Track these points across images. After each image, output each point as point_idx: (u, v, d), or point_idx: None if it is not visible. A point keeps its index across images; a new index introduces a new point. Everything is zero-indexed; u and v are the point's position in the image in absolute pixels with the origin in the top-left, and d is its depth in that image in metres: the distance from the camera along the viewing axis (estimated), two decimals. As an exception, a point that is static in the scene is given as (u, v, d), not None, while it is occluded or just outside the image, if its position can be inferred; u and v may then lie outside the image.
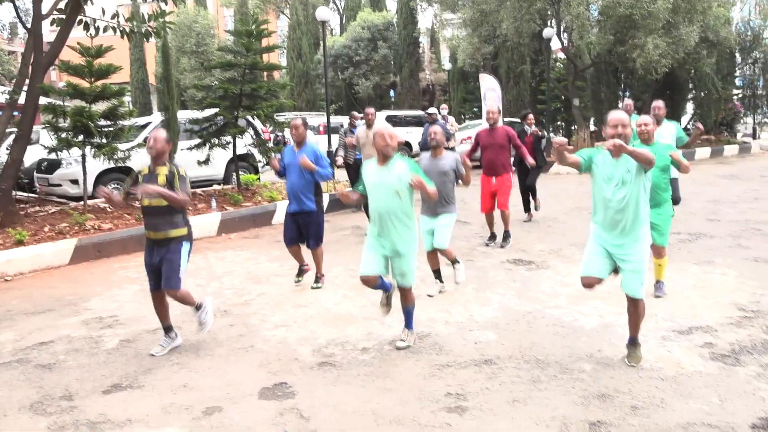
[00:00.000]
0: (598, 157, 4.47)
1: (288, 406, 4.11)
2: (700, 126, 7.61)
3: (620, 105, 23.98)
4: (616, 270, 4.58)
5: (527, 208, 10.14)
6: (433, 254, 6.46)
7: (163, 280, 4.93)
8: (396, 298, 5.13)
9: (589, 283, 4.58)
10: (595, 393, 4.12)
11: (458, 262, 6.54)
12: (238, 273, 7.64)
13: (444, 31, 30.20)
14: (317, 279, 6.91)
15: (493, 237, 8.61)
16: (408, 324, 5.09)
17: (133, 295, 6.85)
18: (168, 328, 5.20)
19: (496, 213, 8.58)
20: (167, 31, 11.74)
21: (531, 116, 10.13)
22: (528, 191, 10.08)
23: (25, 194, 12.62)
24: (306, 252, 6.93)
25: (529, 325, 5.43)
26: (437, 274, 6.56)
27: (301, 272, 6.97)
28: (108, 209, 10.24)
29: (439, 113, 15.66)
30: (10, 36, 27.00)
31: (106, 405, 4.24)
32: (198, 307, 5.15)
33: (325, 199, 11.48)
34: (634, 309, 4.51)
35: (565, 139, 4.31)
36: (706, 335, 5.03)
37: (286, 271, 7.40)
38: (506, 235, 8.51)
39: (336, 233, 9.87)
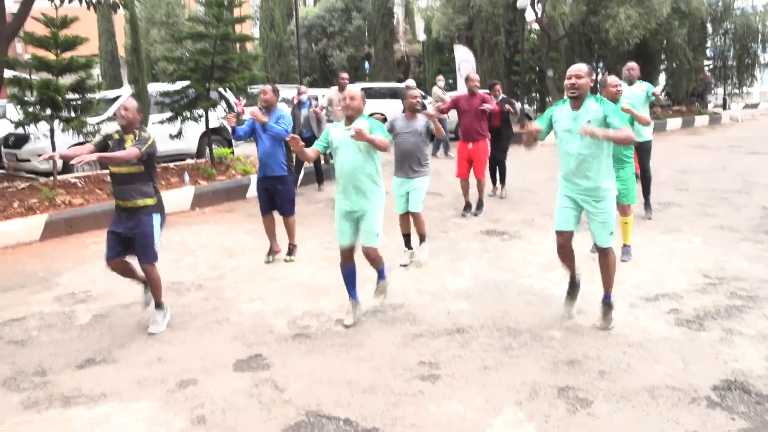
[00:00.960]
0: (555, 113, 4.59)
1: (263, 378, 4.15)
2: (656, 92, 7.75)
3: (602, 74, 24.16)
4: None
5: (494, 182, 10.15)
6: (405, 217, 6.58)
7: (140, 256, 4.92)
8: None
9: (564, 239, 4.67)
10: (565, 359, 4.22)
11: (425, 240, 6.62)
12: (212, 247, 7.62)
13: (418, 1, 29.89)
14: (290, 251, 6.95)
15: (468, 207, 8.69)
16: (381, 276, 5.21)
17: (105, 271, 6.71)
18: (145, 282, 5.22)
19: (472, 181, 8.64)
20: (135, 2, 11.46)
21: (498, 86, 10.13)
22: (497, 165, 10.10)
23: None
24: (280, 226, 6.93)
25: (500, 294, 5.52)
26: (407, 239, 6.66)
27: (272, 252, 6.96)
28: (78, 184, 10.09)
29: (437, 84, 15.89)
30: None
31: (80, 380, 4.24)
32: (159, 305, 5.10)
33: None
34: (605, 259, 4.65)
35: (538, 127, 4.41)
36: (672, 302, 5.17)
37: (261, 245, 7.38)
38: (480, 204, 8.62)
39: (310, 206, 9.86)
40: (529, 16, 22.89)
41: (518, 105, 10.34)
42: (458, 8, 21.95)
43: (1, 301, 5.96)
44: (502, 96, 10.01)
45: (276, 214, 6.92)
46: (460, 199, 9.00)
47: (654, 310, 5.03)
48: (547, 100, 24.70)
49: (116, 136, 4.91)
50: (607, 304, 4.72)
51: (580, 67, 4.42)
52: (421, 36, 30.65)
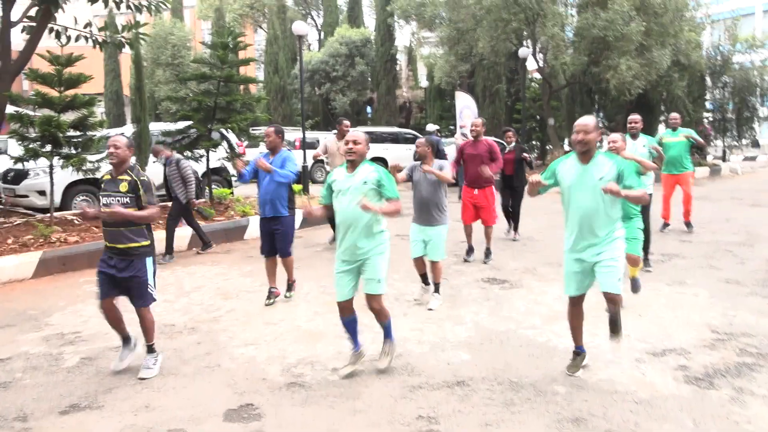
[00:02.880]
0: (560, 168, 4.51)
1: (254, 429, 3.96)
2: (658, 148, 7.79)
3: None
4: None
5: (509, 220, 10.16)
6: (419, 260, 6.58)
7: (135, 301, 4.77)
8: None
9: (575, 302, 4.57)
10: (569, 416, 4.04)
11: (438, 291, 6.60)
12: (207, 288, 7.47)
13: (421, 48, 30.34)
14: (289, 287, 6.94)
15: (471, 250, 8.58)
16: (388, 335, 4.92)
17: (96, 311, 6.58)
18: (126, 339, 5.00)
19: (476, 226, 8.55)
20: (141, 42, 11.57)
21: (510, 133, 10.18)
22: (510, 211, 10.11)
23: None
24: (280, 268, 6.83)
25: (502, 346, 5.35)
26: (424, 278, 6.68)
27: (271, 295, 6.83)
28: (75, 221, 9.98)
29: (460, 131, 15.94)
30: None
31: (62, 426, 4.06)
32: (151, 349, 4.93)
33: (297, 215, 11.39)
34: (614, 306, 4.49)
35: (540, 179, 4.41)
36: (680, 357, 5.00)
37: (258, 287, 7.24)
38: (487, 252, 8.52)
39: (308, 249, 9.74)
40: (531, 65, 23.20)
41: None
42: (461, 56, 22.24)
43: (-12, 340, 5.78)
44: (514, 143, 9.99)
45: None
46: (462, 245, 8.88)
47: (661, 365, 4.86)
48: (548, 147, 24.84)
49: (107, 177, 4.79)
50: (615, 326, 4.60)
51: (587, 122, 4.34)
52: (424, 82, 31.02)
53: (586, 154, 4.34)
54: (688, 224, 10.51)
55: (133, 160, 5.01)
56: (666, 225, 10.47)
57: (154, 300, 4.84)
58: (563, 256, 4.63)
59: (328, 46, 30.18)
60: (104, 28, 11.13)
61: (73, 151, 9.78)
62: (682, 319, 5.96)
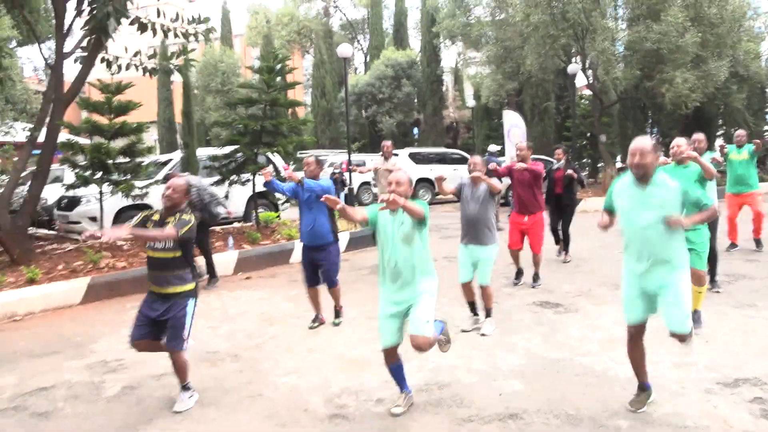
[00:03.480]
0: (616, 191, 4.23)
1: (293, 465, 3.76)
2: (719, 159, 7.53)
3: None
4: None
5: (557, 241, 9.76)
6: (467, 286, 6.27)
7: (168, 339, 4.58)
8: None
9: (635, 332, 4.23)
10: (634, 455, 3.70)
11: (491, 316, 6.29)
12: (251, 314, 7.35)
13: (467, 69, 30.20)
14: (337, 314, 6.77)
15: (520, 273, 8.25)
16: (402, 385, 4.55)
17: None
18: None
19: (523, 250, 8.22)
20: (190, 69, 11.73)
21: (559, 150, 9.81)
22: (560, 232, 9.72)
23: (45, 231, 12.57)
24: (324, 295, 6.67)
25: (558, 375, 5.02)
26: (472, 306, 6.36)
27: (316, 319, 6.69)
28: (124, 247, 10.08)
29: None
30: (38, 75, 27.57)
31: (99, 460, 3.94)
32: (185, 387, 4.76)
33: (343, 238, 11.26)
34: (683, 343, 4.14)
35: (607, 222, 4.30)
36: (755, 389, 4.58)
37: (302, 312, 7.08)
38: (536, 277, 8.18)
39: (353, 272, 9.56)
40: (580, 81, 22.73)
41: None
42: (508, 74, 21.96)
43: (34, 367, 5.78)
44: (563, 161, 9.60)
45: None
46: (512, 267, 8.56)
47: (734, 397, 4.45)
48: (599, 165, 24.18)
49: (156, 217, 4.66)
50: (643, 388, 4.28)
51: (643, 145, 3.99)
52: (470, 102, 30.80)
53: (643, 177, 4.01)
54: (758, 242, 9.90)
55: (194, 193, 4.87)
56: (733, 245, 9.88)
57: (186, 347, 4.61)
58: (621, 279, 4.31)
59: (374, 69, 30.34)
60: (153, 56, 11.33)
61: (123, 177, 9.89)
62: (755, 345, 5.50)
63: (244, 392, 4.95)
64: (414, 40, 35.77)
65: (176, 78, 44.08)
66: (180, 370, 4.69)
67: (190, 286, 4.65)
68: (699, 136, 7.36)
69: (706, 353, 5.31)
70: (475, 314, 6.35)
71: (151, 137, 32.97)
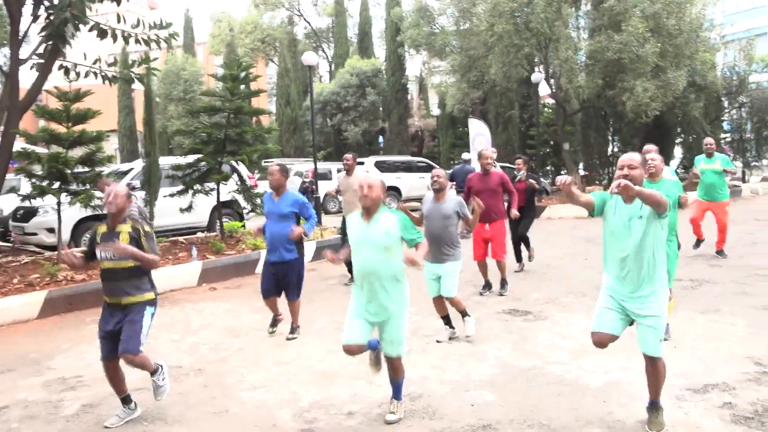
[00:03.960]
0: (611, 202, 4.06)
1: (262, 484, 3.63)
2: (696, 172, 7.58)
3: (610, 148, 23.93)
4: (631, 323, 4.17)
5: (519, 258, 9.70)
6: (439, 300, 6.18)
7: (121, 342, 4.36)
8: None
9: (600, 340, 4.08)
10: (609, 464, 3.67)
11: (468, 315, 6.23)
12: (216, 326, 7.17)
13: (432, 78, 30.38)
14: (293, 330, 6.54)
15: (488, 285, 8.20)
16: (396, 395, 4.49)
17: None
18: (126, 399, 4.62)
19: (490, 260, 8.20)
20: (152, 77, 11.48)
21: (519, 161, 9.74)
22: (520, 241, 9.68)
23: (0, 243, 12.13)
24: (282, 302, 6.53)
25: (529, 384, 4.98)
26: (446, 320, 6.25)
27: (275, 322, 6.62)
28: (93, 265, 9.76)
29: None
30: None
31: (55, 484, 3.74)
32: (154, 372, 4.59)
33: (310, 247, 11.13)
34: (653, 369, 4.01)
35: (569, 177, 3.94)
36: (724, 394, 4.60)
37: (268, 325, 6.92)
38: (503, 283, 8.16)
39: (322, 282, 9.43)
40: (543, 90, 23.02)
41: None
42: (472, 83, 22.13)
43: (-13, 386, 5.51)
44: (524, 172, 9.58)
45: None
46: (479, 275, 8.54)
47: (705, 403, 4.47)
48: (562, 172, 24.50)
49: (103, 229, 4.48)
50: (655, 407, 4.11)
51: (632, 157, 3.93)
52: (435, 110, 30.96)
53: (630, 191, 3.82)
54: (720, 252, 10.04)
55: (133, 207, 4.76)
56: (700, 241, 10.02)
57: (140, 352, 4.39)
58: (592, 288, 4.28)
59: (339, 77, 30.29)
60: (114, 64, 11.06)
61: (82, 188, 9.59)
62: (722, 351, 5.56)
63: (209, 408, 4.79)
64: (379, 49, 35.89)
65: (137, 86, 43.38)
66: (143, 365, 4.47)
67: (149, 295, 4.50)
68: (709, 140, 7.57)
69: (675, 360, 5.32)
70: (451, 326, 6.23)
71: (111, 146, 32.29)
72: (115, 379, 4.54)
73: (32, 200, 9.57)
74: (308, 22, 39.51)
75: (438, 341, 6.10)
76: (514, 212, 8.42)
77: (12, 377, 5.75)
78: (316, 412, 4.62)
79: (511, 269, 9.01)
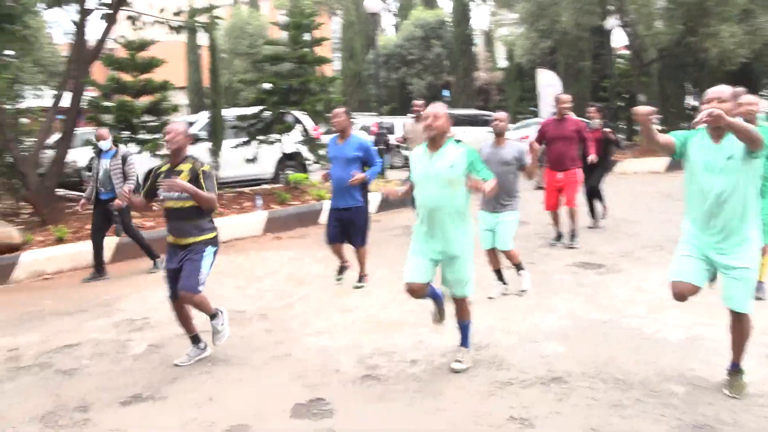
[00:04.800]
0: (695, 140, 3.64)
1: (323, 427, 3.56)
2: None
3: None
4: (713, 278, 3.82)
5: (593, 213, 9.24)
6: (492, 253, 5.85)
7: (180, 279, 4.36)
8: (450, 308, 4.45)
9: (681, 290, 3.68)
10: (692, 422, 3.41)
11: (523, 268, 5.91)
12: (280, 274, 7.16)
13: (499, 30, 29.31)
14: (360, 278, 6.44)
15: (559, 237, 7.88)
16: (464, 341, 4.33)
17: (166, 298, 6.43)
18: (195, 338, 4.67)
19: (561, 211, 7.85)
20: (215, 27, 11.44)
21: (592, 109, 9.12)
22: (592, 193, 9.20)
23: (76, 193, 12.52)
24: (349, 250, 6.42)
25: (604, 337, 4.71)
26: (499, 274, 5.93)
27: (342, 269, 6.52)
28: (154, 207, 9.93)
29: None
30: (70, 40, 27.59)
31: (122, 418, 3.79)
32: (214, 316, 4.58)
33: (374, 198, 10.99)
34: (739, 325, 3.66)
35: (651, 108, 3.53)
36: (821, 353, 4.22)
37: (331, 273, 6.84)
38: (573, 234, 7.80)
39: (384, 233, 9.29)
40: (617, 41, 21.85)
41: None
42: (542, 32, 21.17)
43: (60, 325, 5.68)
44: (598, 120, 9.05)
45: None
46: (548, 227, 8.21)
47: (797, 363, 4.11)
48: (636, 127, 23.36)
49: (165, 169, 4.48)
50: (736, 371, 3.79)
51: (722, 90, 3.51)
52: (502, 63, 29.98)
53: (717, 129, 3.48)
54: None
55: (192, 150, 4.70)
56: None
57: (199, 291, 4.36)
58: (670, 242, 3.86)
59: (404, 30, 29.64)
60: (178, 13, 11.04)
61: (149, 137, 9.70)
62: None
63: (273, 352, 4.76)
64: (443, 1, 34.89)
65: (204, 41, 43.82)
66: (201, 306, 4.46)
67: (210, 234, 4.49)
68: (750, 98, 6.34)
69: (763, 315, 4.94)
70: (503, 282, 5.93)
71: (180, 101, 32.87)
72: (183, 318, 4.58)
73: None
74: (372, -26, 38.70)
75: (489, 297, 5.76)
76: (592, 157, 7.94)
77: (84, 317, 5.90)
78: (378, 358, 4.52)
79: (583, 224, 8.59)
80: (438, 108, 4.09)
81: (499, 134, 5.77)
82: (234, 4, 34.83)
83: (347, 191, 6.10)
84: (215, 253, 4.54)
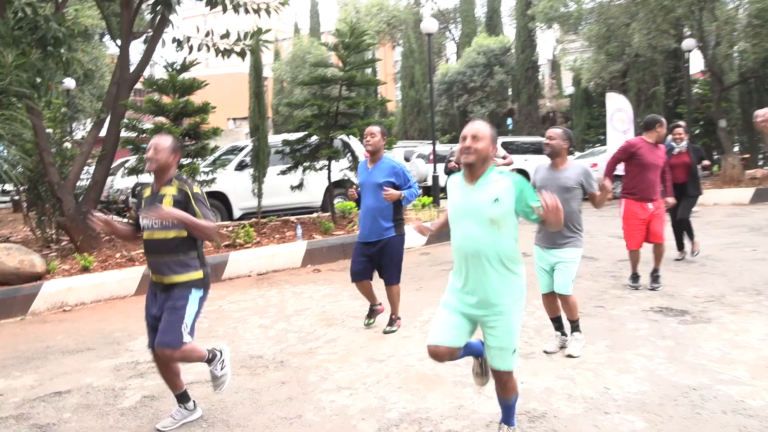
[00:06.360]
0: None
1: None
2: None
3: None
4: None
5: (681, 246, 8.11)
6: (551, 298, 4.83)
7: (159, 333, 3.59)
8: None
9: None
10: None
11: (579, 330, 4.82)
12: (311, 312, 6.40)
13: (565, 58, 28.20)
14: (391, 321, 5.58)
15: (636, 277, 6.78)
16: (507, 419, 3.34)
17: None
18: (182, 396, 3.86)
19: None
20: (262, 50, 11.01)
21: (680, 129, 7.98)
22: (681, 225, 8.09)
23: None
24: (380, 289, 5.60)
25: (694, 410, 3.68)
26: (557, 323, 4.90)
27: (372, 313, 5.71)
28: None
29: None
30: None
31: (79, 499, 3.05)
32: (210, 360, 3.80)
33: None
34: None
35: None
36: None
37: (366, 312, 6.04)
38: (656, 276, 6.68)
39: (433, 267, 8.42)
40: (694, 65, 20.44)
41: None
42: (611, 55, 20.00)
43: (62, 366, 5.10)
44: (686, 143, 7.95)
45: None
46: (620, 264, 7.18)
47: None
48: (714, 155, 21.74)
49: (147, 193, 3.75)
50: None
51: None
52: (569, 90, 28.79)
53: None
54: None
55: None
56: None
57: (181, 346, 3.56)
58: (761, 283, 2.94)
59: (465, 57, 28.95)
60: (226, 36, 10.65)
61: (188, 161, 9.22)
62: None
63: (282, 411, 3.96)
64: (507, 28, 34.08)
65: (268, 73, 44.36)
66: (189, 358, 3.68)
67: (195, 274, 3.66)
68: None
69: None
70: (563, 334, 4.89)
71: (242, 132, 33.09)
72: (167, 373, 3.80)
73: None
74: (435, 2, 38.45)
75: (545, 351, 4.77)
76: (670, 200, 6.88)
77: (88, 357, 5.29)
78: (406, 427, 3.64)
79: (668, 258, 7.47)
80: (480, 127, 3.13)
81: (554, 155, 4.75)
82: (296, 35, 35.10)
83: (377, 222, 5.31)
84: (202, 298, 3.73)
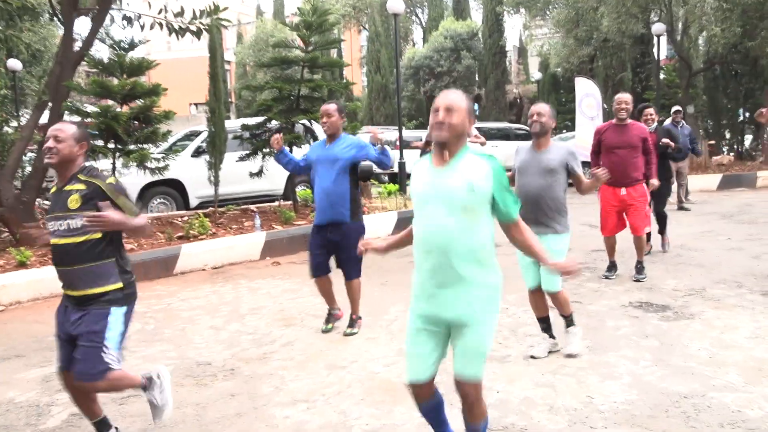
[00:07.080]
0: None
1: None
2: None
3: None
4: None
5: (648, 237, 7.82)
6: (537, 295, 4.39)
7: (76, 362, 3.01)
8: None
9: None
10: None
11: (573, 323, 4.42)
12: (267, 311, 5.92)
13: (533, 44, 27.97)
14: (351, 322, 5.13)
15: (613, 267, 6.49)
16: None
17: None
18: (101, 424, 3.28)
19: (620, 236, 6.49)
20: (219, 29, 10.38)
21: (650, 110, 7.61)
22: (657, 218, 7.77)
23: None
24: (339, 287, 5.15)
25: (689, 422, 3.32)
26: (545, 324, 4.44)
27: (331, 318, 5.23)
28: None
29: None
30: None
31: None
32: (146, 386, 3.26)
33: (390, 219, 9.74)
34: None
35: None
36: None
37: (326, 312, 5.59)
38: (640, 267, 6.36)
39: (402, 258, 7.97)
40: (663, 51, 20.33)
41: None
42: (580, 40, 19.75)
43: (-19, 378, 4.51)
44: (656, 124, 7.65)
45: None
46: (596, 254, 6.86)
47: None
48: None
49: (53, 190, 3.18)
50: None
51: None
52: (536, 75, 28.57)
53: None
54: None
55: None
56: None
57: (110, 369, 3.02)
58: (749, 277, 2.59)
59: (432, 41, 28.51)
60: (180, 14, 10.00)
61: (137, 147, 8.61)
62: None
63: (228, 430, 3.49)
64: (475, 13, 33.65)
65: (231, 57, 43.22)
66: (119, 387, 3.18)
67: (115, 285, 3.09)
68: None
69: None
70: (552, 336, 4.46)
71: (202, 116, 32.20)
72: (80, 398, 3.21)
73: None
74: (402, -14, 37.76)
75: (532, 356, 4.33)
76: (654, 182, 6.52)
77: (15, 366, 4.74)
78: (369, 448, 3.21)
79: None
80: (454, 97, 2.65)
81: (541, 134, 4.31)
82: (259, 17, 34.20)
83: (336, 202, 4.83)
84: (127, 313, 3.17)
